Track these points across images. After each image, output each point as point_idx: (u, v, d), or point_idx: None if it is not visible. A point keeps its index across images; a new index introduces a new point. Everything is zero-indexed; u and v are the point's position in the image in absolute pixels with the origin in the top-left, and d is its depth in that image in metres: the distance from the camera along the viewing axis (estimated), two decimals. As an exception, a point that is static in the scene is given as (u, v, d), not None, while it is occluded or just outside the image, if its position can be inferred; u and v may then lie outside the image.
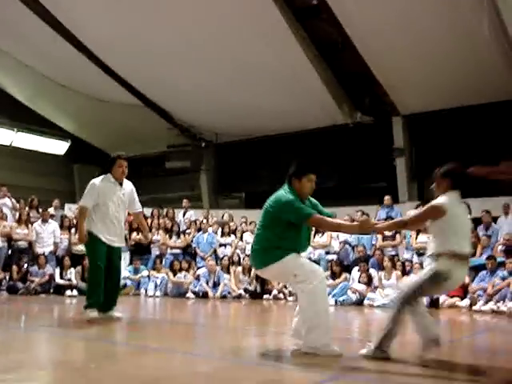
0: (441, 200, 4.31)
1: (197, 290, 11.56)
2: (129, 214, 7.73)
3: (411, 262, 11.03)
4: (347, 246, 12.03)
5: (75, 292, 11.32)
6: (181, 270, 12.08)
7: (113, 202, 6.64)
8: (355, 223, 4.72)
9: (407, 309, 4.21)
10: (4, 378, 3.35)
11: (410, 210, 12.62)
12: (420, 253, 11.07)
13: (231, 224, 13.40)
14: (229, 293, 11.47)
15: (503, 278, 9.58)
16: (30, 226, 12.42)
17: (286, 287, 11.07)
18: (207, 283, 11.62)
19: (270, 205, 4.67)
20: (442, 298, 9.97)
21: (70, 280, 11.69)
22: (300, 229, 4.64)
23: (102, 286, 6.61)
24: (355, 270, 10.96)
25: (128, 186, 6.91)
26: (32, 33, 14.12)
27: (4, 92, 17.62)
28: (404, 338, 6.01)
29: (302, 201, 4.65)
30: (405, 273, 10.66)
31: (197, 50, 13.67)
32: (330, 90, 14.28)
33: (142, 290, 12.02)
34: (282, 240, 4.58)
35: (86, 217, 6.60)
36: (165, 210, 14.57)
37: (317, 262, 11.48)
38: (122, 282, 10.55)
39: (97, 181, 6.69)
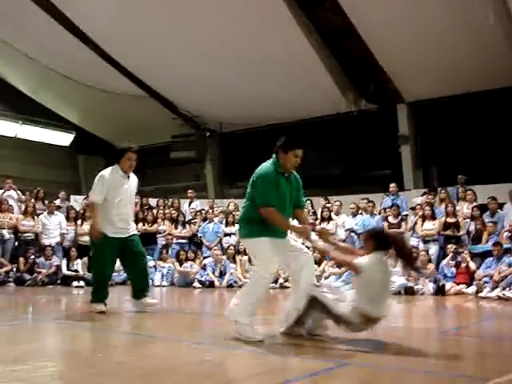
0: (360, 260, 4.49)
1: (203, 279, 11.59)
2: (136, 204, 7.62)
3: (417, 248, 11.01)
4: (353, 233, 12.03)
5: (82, 283, 11.35)
6: (187, 259, 12.10)
7: (121, 195, 6.48)
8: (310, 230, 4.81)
9: (308, 305, 4.52)
10: (13, 368, 3.37)
11: (415, 198, 12.63)
12: (426, 240, 11.07)
13: (236, 213, 13.38)
14: (235, 282, 11.49)
15: (509, 265, 9.56)
16: (36, 217, 12.45)
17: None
18: (213, 272, 11.65)
19: (254, 176, 4.80)
20: (449, 285, 9.97)
21: (76, 271, 11.73)
22: (280, 210, 4.72)
23: (107, 281, 6.67)
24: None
25: (134, 179, 6.79)
26: (34, 24, 14.10)
27: (8, 84, 17.63)
28: (412, 325, 6.03)
29: (283, 174, 4.75)
30: (411, 260, 10.64)
31: (200, 40, 13.63)
32: (334, 77, 14.23)
33: (149, 280, 12.05)
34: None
35: (98, 212, 6.40)
36: (170, 200, 14.59)
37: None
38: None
39: (106, 173, 6.51)
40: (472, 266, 10.14)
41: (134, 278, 6.87)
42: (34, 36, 14.71)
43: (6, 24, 14.39)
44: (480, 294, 9.44)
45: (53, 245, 12.17)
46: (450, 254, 10.45)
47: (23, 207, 12.75)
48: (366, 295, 4.38)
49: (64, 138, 19.58)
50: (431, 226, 11.04)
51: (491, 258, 9.96)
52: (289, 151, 4.71)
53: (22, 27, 14.36)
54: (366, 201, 12.40)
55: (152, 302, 6.71)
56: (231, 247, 12.17)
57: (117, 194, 6.45)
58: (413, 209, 12.12)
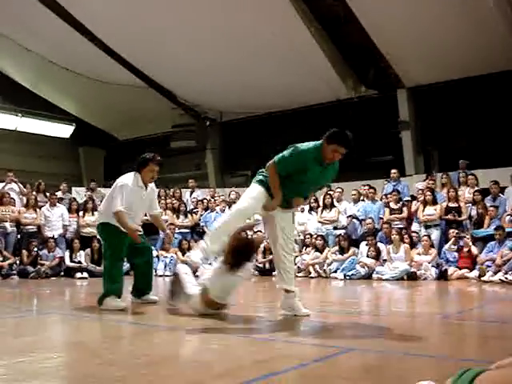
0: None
1: (206, 268, 11.62)
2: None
3: (419, 234, 11.04)
4: (355, 220, 12.05)
5: (85, 274, 11.40)
6: (189, 249, 12.12)
7: (135, 205, 6.27)
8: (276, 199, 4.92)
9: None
10: (18, 360, 3.38)
11: (417, 183, 12.63)
12: (427, 225, 11.08)
13: (239, 202, 13.36)
14: (238, 270, 11.50)
15: (511, 249, 9.59)
16: (38, 210, 12.47)
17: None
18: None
19: (294, 145, 4.99)
20: (451, 270, 10.00)
21: (79, 262, 11.77)
22: (292, 185, 4.89)
23: (122, 275, 6.54)
24: (363, 245, 10.99)
25: (151, 188, 6.52)
26: (32, 16, 14.04)
27: (7, 77, 17.60)
28: (414, 309, 6.04)
29: (319, 161, 4.88)
30: (413, 245, 10.68)
31: (199, 29, 13.59)
32: (333, 64, 14.19)
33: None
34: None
35: (126, 218, 6.08)
36: (171, 190, 14.60)
37: (325, 237, 11.53)
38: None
39: (128, 182, 6.20)
40: (474, 250, 10.17)
41: (137, 274, 6.64)
42: (32, 28, 14.65)
43: (5, 17, 14.33)
44: (482, 278, 9.48)
45: (55, 237, 12.21)
46: (452, 239, 10.48)
47: (25, 200, 12.78)
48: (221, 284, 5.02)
49: (64, 130, 19.58)
50: (432, 211, 11.05)
51: (493, 242, 9.99)
52: (331, 143, 4.83)
53: (18, 19, 14.30)
54: (367, 187, 12.41)
55: (153, 299, 6.53)
56: (233, 236, 12.18)
57: (132, 202, 6.22)
58: (413, 197, 12.10)
